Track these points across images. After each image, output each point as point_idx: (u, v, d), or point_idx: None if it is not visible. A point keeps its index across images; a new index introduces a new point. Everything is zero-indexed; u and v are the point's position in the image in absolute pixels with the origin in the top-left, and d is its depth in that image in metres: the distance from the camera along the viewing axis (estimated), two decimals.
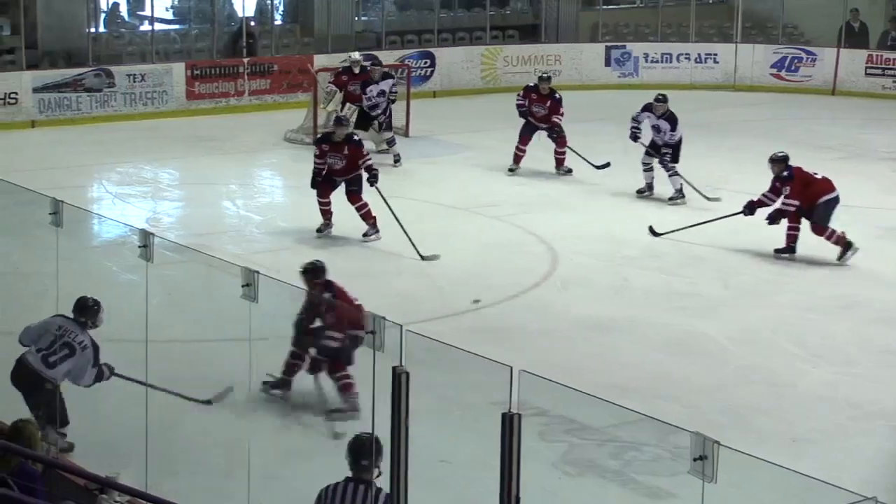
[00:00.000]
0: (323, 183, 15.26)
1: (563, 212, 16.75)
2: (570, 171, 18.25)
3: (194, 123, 21.47)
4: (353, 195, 15.23)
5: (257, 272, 7.94)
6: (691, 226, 15.46)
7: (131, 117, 21.53)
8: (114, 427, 9.87)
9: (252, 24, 24.28)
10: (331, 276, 10.72)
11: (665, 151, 17.04)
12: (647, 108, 17.22)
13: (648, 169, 17.23)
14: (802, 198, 14.69)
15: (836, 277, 14.37)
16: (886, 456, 10.08)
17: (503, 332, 12.36)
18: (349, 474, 7.30)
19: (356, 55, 20.03)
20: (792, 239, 14.95)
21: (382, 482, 6.98)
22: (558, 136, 18.15)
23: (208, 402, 10.04)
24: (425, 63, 23.89)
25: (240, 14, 24.67)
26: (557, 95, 18.21)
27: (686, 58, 25.79)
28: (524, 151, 18.35)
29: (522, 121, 18.37)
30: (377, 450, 7.02)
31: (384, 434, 6.84)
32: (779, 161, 14.85)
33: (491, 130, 20.51)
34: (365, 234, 15.22)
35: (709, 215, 15.80)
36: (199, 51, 23.43)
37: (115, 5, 24.50)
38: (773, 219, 14.86)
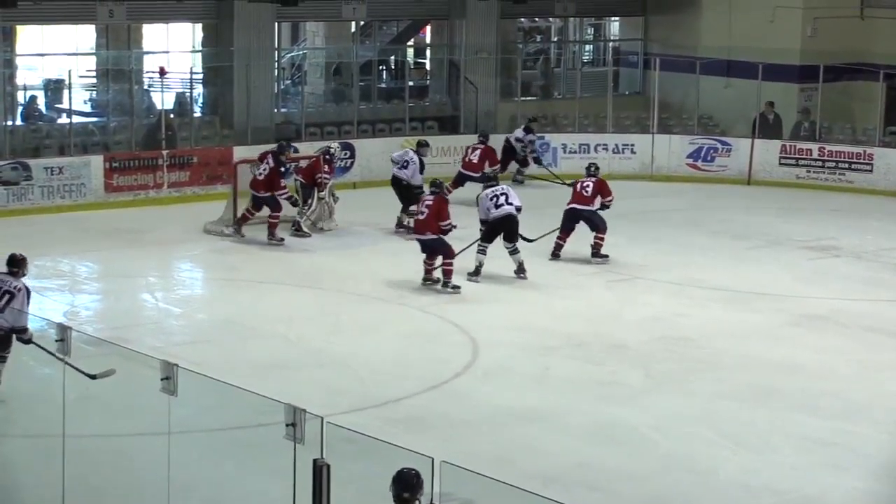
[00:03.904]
0: None
1: (484, 302, 16.77)
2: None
3: (113, 216, 21.33)
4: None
5: (176, 365, 7.88)
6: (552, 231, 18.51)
7: (49, 210, 21.36)
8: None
9: (171, 115, 24.27)
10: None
11: None
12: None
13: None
14: None
15: (754, 364, 14.48)
16: None
17: (425, 422, 12.32)
18: None
19: (336, 144, 21.80)
20: None
21: None
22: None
23: (93, 377, 10.49)
24: (345, 154, 23.93)
25: (159, 106, 24.66)
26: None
27: (604, 148, 26.05)
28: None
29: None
30: (418, 484, 7.07)
31: None
32: None
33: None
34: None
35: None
36: (118, 143, 23.33)
37: (33, 98, 24.40)
38: None
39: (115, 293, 17.15)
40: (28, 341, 12.02)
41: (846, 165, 25.52)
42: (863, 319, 16.32)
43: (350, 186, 23.48)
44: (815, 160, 25.70)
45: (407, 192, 20.30)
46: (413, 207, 19.86)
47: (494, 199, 17.61)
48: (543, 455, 11.62)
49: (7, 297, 12.28)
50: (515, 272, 17.61)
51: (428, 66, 29.54)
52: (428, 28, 29.48)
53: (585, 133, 26.58)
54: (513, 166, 24.70)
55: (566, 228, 18.74)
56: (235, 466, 10.76)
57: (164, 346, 13.96)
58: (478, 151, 22.81)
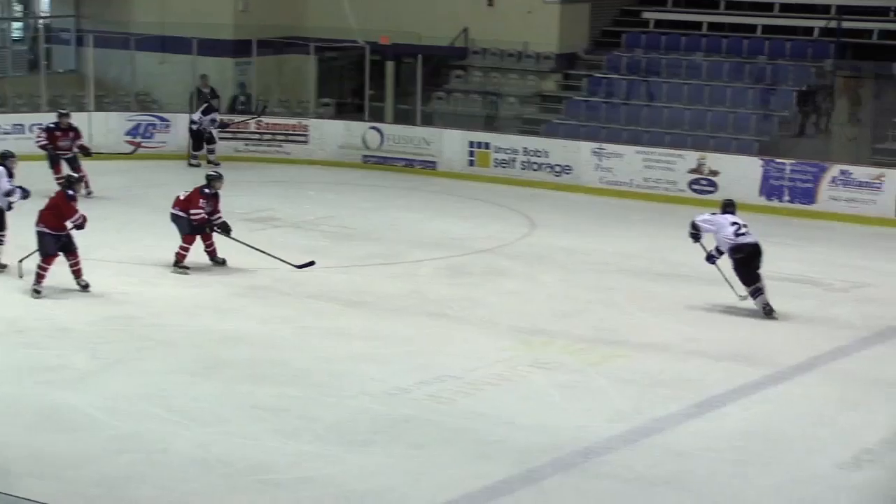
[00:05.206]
0: None
1: None
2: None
3: None
4: None
5: None
6: None
7: None
8: None
9: None
10: None
11: None
12: None
13: None
14: None
15: (203, 339, 14.66)
16: None
17: None
18: None
19: None
20: None
21: None
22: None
23: None
24: None
25: None
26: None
27: (40, 127, 25.36)
28: None
29: None
30: None
31: None
32: None
33: None
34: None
35: None
36: None
37: None
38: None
39: None
40: None
41: (283, 137, 26.19)
42: (303, 287, 16.85)
43: None
44: (253, 133, 26.21)
45: None
46: None
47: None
48: None
49: None
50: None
51: None
52: None
53: (20, 113, 25.89)
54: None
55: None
56: None
57: None
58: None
